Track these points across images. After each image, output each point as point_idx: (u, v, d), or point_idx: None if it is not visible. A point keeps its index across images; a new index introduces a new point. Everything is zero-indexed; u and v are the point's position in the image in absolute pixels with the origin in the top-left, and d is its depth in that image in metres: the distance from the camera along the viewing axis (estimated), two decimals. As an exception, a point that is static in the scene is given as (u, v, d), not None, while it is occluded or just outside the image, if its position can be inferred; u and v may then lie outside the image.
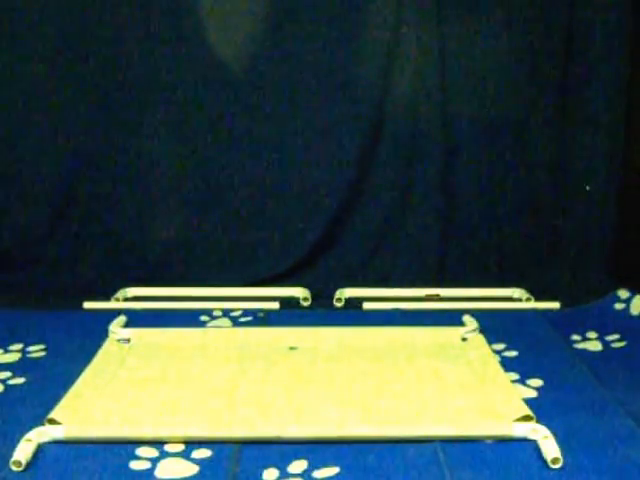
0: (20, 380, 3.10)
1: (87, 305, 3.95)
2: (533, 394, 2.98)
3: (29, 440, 2.54)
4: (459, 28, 4.08)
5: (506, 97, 4.15)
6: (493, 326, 3.59)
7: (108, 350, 3.36)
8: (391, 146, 4.23)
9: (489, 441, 2.62)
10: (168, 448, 2.57)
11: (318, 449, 2.56)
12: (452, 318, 3.70)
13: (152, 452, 2.55)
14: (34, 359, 3.32)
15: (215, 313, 3.87)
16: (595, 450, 2.57)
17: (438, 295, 4.05)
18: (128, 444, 2.58)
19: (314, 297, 4.05)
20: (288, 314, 3.88)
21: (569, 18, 4.08)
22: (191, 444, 2.58)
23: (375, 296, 4.05)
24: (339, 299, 4.02)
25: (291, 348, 3.41)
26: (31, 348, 3.41)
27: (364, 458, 2.52)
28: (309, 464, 2.48)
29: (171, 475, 2.44)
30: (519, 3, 4.07)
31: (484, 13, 4.06)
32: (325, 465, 2.48)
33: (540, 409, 2.80)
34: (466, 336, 3.52)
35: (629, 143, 4.18)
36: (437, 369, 3.17)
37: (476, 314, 3.71)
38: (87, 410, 2.79)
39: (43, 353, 3.38)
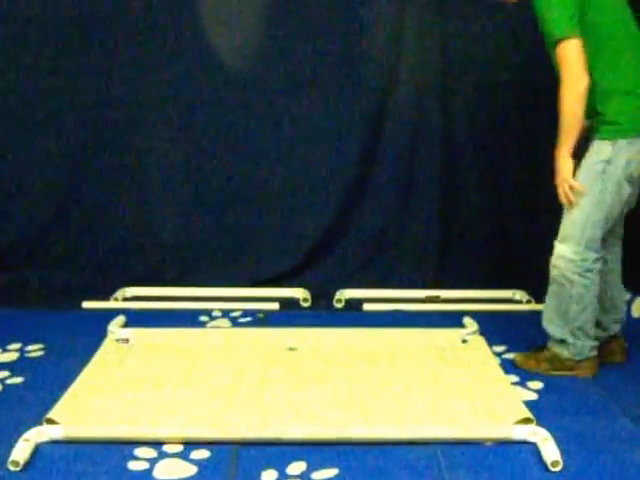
0: (18, 379, 3.10)
1: (86, 305, 3.95)
2: (533, 396, 2.98)
3: (27, 440, 2.54)
4: (461, 24, 4.08)
5: (508, 97, 4.13)
6: (493, 328, 3.58)
7: (107, 350, 3.36)
8: (392, 148, 4.22)
9: (489, 444, 2.61)
10: (167, 449, 2.57)
11: (317, 450, 2.56)
12: (452, 320, 3.70)
13: (150, 452, 2.54)
14: (32, 359, 3.32)
15: (214, 313, 3.87)
16: (595, 453, 2.57)
17: (438, 297, 4.04)
18: (126, 444, 2.58)
19: (314, 298, 4.04)
20: (288, 315, 3.88)
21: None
22: (190, 445, 2.58)
23: (375, 297, 4.04)
24: (339, 300, 4.01)
25: (290, 349, 3.40)
26: (30, 347, 3.41)
27: (363, 460, 2.51)
28: (308, 465, 2.48)
29: (169, 476, 2.43)
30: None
31: (485, 9, 4.05)
32: (324, 466, 2.47)
33: (540, 411, 2.80)
34: (466, 338, 3.52)
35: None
36: (437, 371, 3.16)
37: (476, 316, 3.71)
38: (85, 410, 2.79)
39: (42, 352, 3.37)
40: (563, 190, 3.03)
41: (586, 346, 3.12)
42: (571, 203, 3.01)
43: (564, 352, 3.14)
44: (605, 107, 2.97)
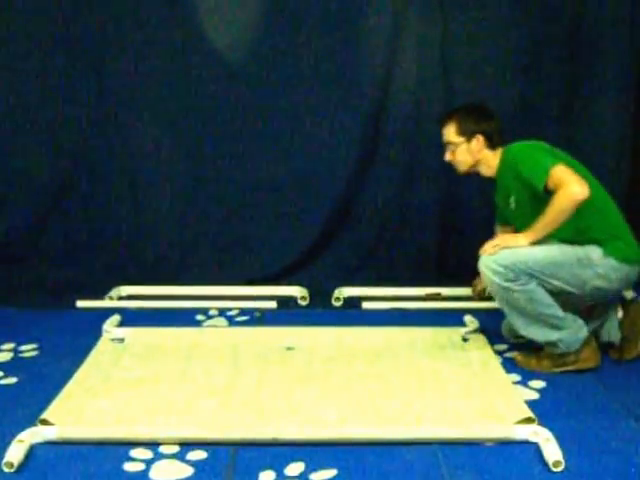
0: (12, 380, 3.07)
1: (80, 304, 3.91)
2: (535, 396, 2.95)
3: (21, 441, 2.51)
4: (462, 17, 4.05)
5: (510, 93, 4.11)
6: (495, 326, 3.54)
7: (102, 349, 3.33)
8: (390, 145, 4.20)
9: (490, 444, 2.58)
10: (163, 449, 2.54)
11: (315, 451, 2.53)
12: (453, 318, 3.67)
13: (146, 453, 2.51)
14: (26, 359, 3.29)
15: (211, 312, 3.84)
16: (598, 453, 2.54)
17: (439, 294, 4.02)
18: (122, 445, 2.55)
19: (312, 296, 4.01)
20: (285, 313, 3.85)
21: (575, 10, 4.04)
22: (186, 445, 2.55)
23: (374, 295, 4.02)
24: (338, 298, 3.98)
25: (288, 348, 3.38)
26: (23, 347, 3.38)
27: (362, 460, 2.49)
28: (306, 466, 2.45)
29: (166, 477, 2.40)
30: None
31: (488, 3, 4.03)
32: (323, 467, 2.44)
33: (542, 411, 2.77)
34: (467, 336, 3.49)
35: (637, 141, 4.14)
36: (437, 370, 3.13)
37: (477, 314, 3.68)
38: (80, 411, 2.76)
39: (35, 352, 3.34)
40: (493, 245, 3.05)
41: (574, 333, 3.09)
42: (485, 250, 3.07)
43: (558, 350, 3.12)
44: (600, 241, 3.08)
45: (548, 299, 3.05)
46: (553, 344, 3.11)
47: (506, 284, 3.01)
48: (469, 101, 3.52)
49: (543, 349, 3.17)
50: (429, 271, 4.18)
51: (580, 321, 3.13)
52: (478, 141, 3.23)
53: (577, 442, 2.59)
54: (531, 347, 3.25)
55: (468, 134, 3.24)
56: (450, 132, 3.29)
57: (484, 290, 3.45)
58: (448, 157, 3.33)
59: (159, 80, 4.11)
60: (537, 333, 3.11)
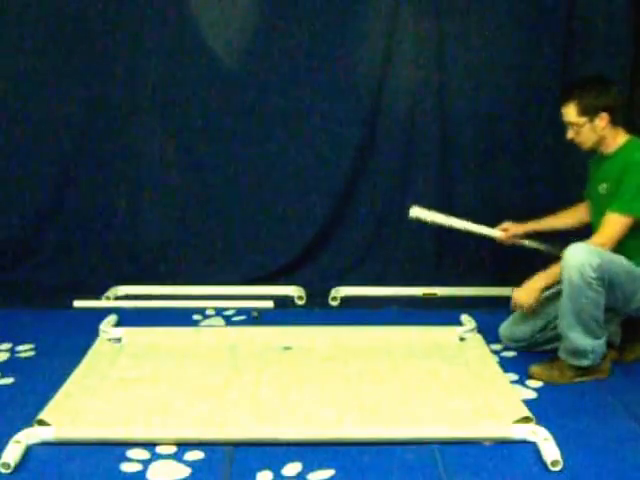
0: (9, 380, 3.06)
1: (77, 304, 3.90)
2: (533, 395, 2.95)
3: (18, 442, 2.50)
4: (457, 17, 4.05)
5: (505, 92, 4.11)
6: (491, 326, 3.54)
7: (99, 350, 3.32)
8: (387, 144, 4.19)
9: (488, 443, 2.58)
10: (160, 450, 2.53)
11: (313, 451, 2.52)
12: (450, 317, 3.66)
13: (143, 454, 2.51)
14: (23, 359, 3.28)
15: (208, 312, 3.83)
16: (596, 452, 2.54)
17: (435, 294, 4.01)
18: (119, 446, 2.54)
19: (309, 296, 4.00)
20: (282, 313, 3.84)
21: (570, 12, 4.04)
22: (183, 446, 2.54)
23: (371, 295, 4.01)
24: (334, 298, 3.97)
25: (286, 348, 3.37)
26: (20, 347, 3.37)
27: (360, 460, 2.48)
28: (304, 466, 2.45)
29: (163, 477, 2.40)
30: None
31: (483, 6, 4.02)
32: (320, 467, 2.44)
33: (540, 410, 2.76)
34: (464, 336, 3.48)
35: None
36: (434, 369, 3.13)
37: (474, 313, 3.67)
38: (77, 411, 2.75)
39: (32, 353, 3.33)
40: None
41: (602, 345, 3.03)
42: None
43: (583, 362, 3.03)
44: None
45: (603, 306, 2.98)
46: (584, 354, 3.01)
47: (589, 280, 2.91)
48: (586, 74, 3.31)
49: (559, 359, 3.08)
50: (426, 271, 4.17)
51: (607, 334, 3.07)
52: (602, 119, 3.09)
53: (575, 441, 2.59)
54: (534, 352, 3.25)
55: (591, 113, 3.09)
56: (571, 113, 3.13)
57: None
58: (570, 136, 3.17)
59: (157, 82, 4.10)
60: (577, 337, 2.99)
